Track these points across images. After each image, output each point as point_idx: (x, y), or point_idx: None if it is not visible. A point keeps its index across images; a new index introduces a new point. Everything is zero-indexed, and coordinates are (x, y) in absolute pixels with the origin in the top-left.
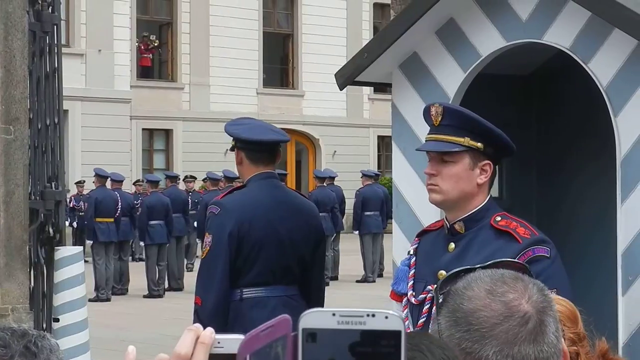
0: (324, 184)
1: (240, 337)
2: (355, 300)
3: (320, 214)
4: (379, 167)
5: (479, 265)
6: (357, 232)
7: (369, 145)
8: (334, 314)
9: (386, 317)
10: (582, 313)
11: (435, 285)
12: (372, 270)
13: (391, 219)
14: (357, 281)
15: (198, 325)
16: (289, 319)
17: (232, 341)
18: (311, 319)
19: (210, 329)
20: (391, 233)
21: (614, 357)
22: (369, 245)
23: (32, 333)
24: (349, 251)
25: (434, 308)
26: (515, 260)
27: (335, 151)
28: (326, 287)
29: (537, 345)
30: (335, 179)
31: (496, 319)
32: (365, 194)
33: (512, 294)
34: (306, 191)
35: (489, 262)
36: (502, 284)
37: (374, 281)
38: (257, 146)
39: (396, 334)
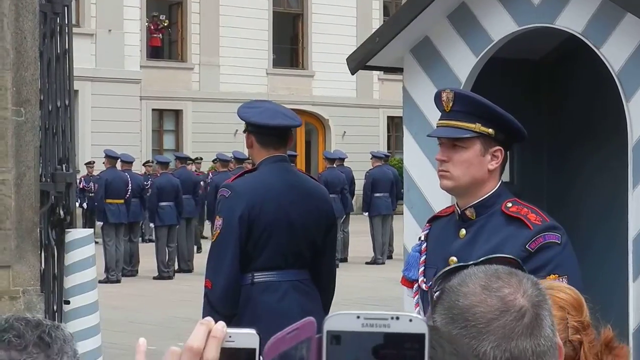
0: (334, 165)
1: (252, 331)
2: (364, 282)
3: (330, 196)
4: (388, 148)
5: (471, 262)
6: (366, 213)
7: (379, 125)
8: (358, 317)
9: (410, 320)
10: (588, 301)
11: (430, 283)
12: (382, 252)
13: (401, 200)
14: (367, 263)
15: (209, 318)
16: (313, 322)
17: (243, 335)
18: (335, 321)
19: (222, 323)
20: (401, 214)
21: (618, 345)
22: (378, 227)
23: (46, 323)
24: (358, 233)
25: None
26: (508, 255)
27: (344, 132)
28: (336, 263)
29: (534, 339)
30: (345, 159)
31: (492, 314)
32: (375, 176)
33: (507, 289)
34: (316, 172)
35: (481, 259)
36: (496, 279)
37: (383, 263)
38: (267, 130)
39: (420, 337)
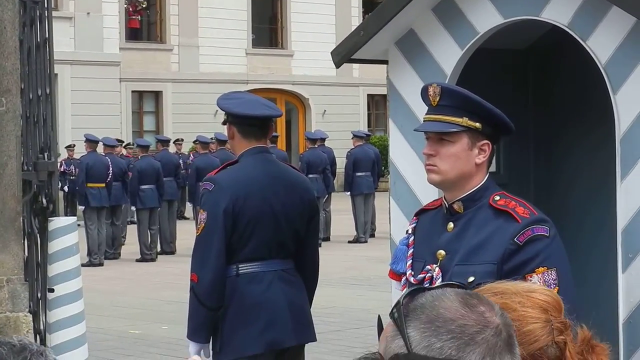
0: (315, 146)
1: None
2: (347, 261)
3: (312, 176)
4: (369, 126)
5: (427, 287)
6: (348, 192)
7: (359, 104)
8: None
9: None
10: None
11: (394, 308)
12: (364, 231)
13: (383, 178)
14: (349, 242)
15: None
16: None
17: None
18: None
19: (197, 357)
20: (382, 192)
21: (598, 343)
22: (360, 206)
23: (32, 348)
24: (340, 212)
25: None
26: (458, 282)
27: (325, 110)
28: (319, 249)
29: (513, 356)
30: (326, 139)
31: (476, 328)
32: (357, 155)
33: (483, 307)
34: (297, 152)
35: (437, 285)
36: (470, 298)
37: (365, 241)
38: (249, 121)
39: None
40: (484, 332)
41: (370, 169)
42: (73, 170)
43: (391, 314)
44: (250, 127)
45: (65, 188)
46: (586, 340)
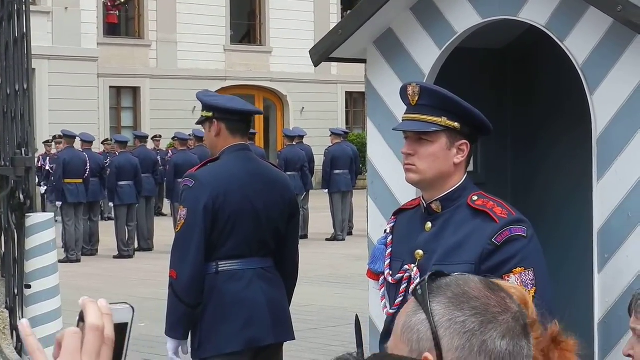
0: (294, 143)
1: (126, 306)
2: (324, 258)
3: (290, 173)
4: (347, 123)
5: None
6: (326, 190)
7: (337, 101)
8: None
9: None
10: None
11: (417, 286)
12: (342, 229)
13: (360, 175)
14: (327, 239)
15: (86, 298)
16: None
17: (119, 311)
18: None
19: (104, 300)
20: (360, 189)
21: (564, 339)
22: (338, 204)
23: None
24: (318, 209)
25: (411, 289)
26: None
27: (303, 107)
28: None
29: (528, 343)
30: (304, 137)
31: (498, 309)
32: (334, 153)
33: (503, 294)
34: (275, 149)
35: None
36: (492, 284)
37: (343, 239)
38: (238, 116)
39: None
40: (504, 314)
41: (348, 166)
42: (50, 168)
43: (414, 292)
44: (238, 122)
45: (42, 186)
46: (553, 335)
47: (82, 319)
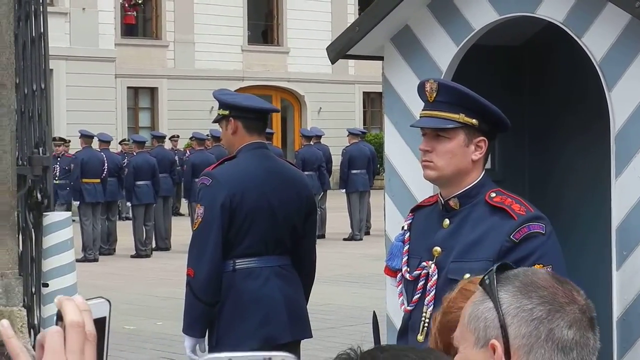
0: (311, 143)
1: (102, 300)
2: (342, 258)
3: (307, 173)
4: (364, 124)
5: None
6: (343, 190)
7: (355, 101)
8: (230, 359)
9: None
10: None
11: (485, 276)
12: (359, 228)
13: (378, 175)
14: (344, 239)
15: (61, 296)
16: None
17: (97, 306)
18: None
19: (79, 296)
20: (378, 189)
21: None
22: (355, 204)
23: None
24: (335, 209)
25: (430, 284)
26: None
27: (320, 108)
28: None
29: (595, 334)
30: (322, 136)
31: (565, 299)
32: (352, 153)
33: (571, 287)
34: (292, 149)
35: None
36: (560, 277)
37: (361, 239)
38: (255, 114)
39: None
40: (572, 305)
41: (365, 166)
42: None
43: (481, 282)
44: (255, 121)
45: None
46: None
47: (60, 317)
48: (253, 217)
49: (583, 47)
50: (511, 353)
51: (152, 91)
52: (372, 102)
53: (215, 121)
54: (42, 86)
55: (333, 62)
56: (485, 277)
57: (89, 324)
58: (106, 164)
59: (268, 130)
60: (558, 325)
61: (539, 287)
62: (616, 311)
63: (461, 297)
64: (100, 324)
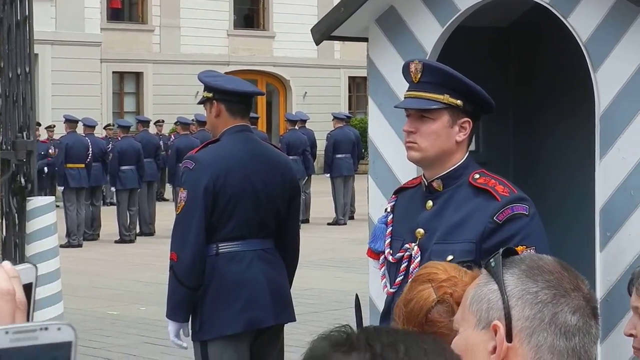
0: (296, 127)
1: (28, 266)
2: (326, 242)
3: (292, 157)
4: (349, 108)
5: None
6: (328, 174)
7: (340, 86)
8: (6, 332)
9: (59, 329)
10: None
11: (490, 259)
12: (343, 213)
13: (362, 160)
14: (329, 224)
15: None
16: None
17: (24, 272)
18: None
19: (8, 262)
20: (362, 174)
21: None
22: (340, 188)
23: None
24: (320, 194)
25: (412, 266)
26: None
27: (306, 92)
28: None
29: (597, 323)
30: (307, 121)
31: (570, 285)
32: (337, 137)
33: (576, 274)
34: (277, 133)
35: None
36: (567, 265)
37: (345, 223)
38: (239, 97)
39: (67, 346)
40: (577, 292)
41: (350, 151)
42: (53, 151)
43: (486, 265)
44: (239, 104)
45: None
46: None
47: None
48: (236, 200)
49: (569, 27)
50: (513, 335)
51: (138, 76)
52: (358, 87)
53: (200, 102)
54: (27, 70)
55: (317, 43)
56: (490, 260)
57: (19, 292)
58: (91, 149)
59: (253, 114)
60: (562, 310)
61: (545, 271)
62: (599, 292)
63: (415, 283)
64: (27, 289)
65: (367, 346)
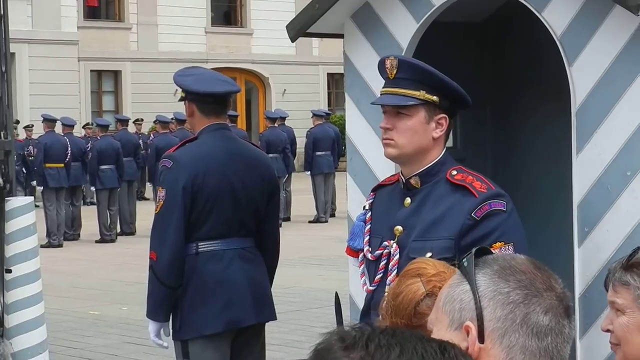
0: (275, 125)
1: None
2: (308, 241)
3: (272, 155)
4: (329, 105)
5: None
6: (308, 172)
7: (319, 82)
8: None
9: None
10: None
11: (462, 259)
12: (324, 211)
13: (343, 157)
14: (310, 222)
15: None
16: None
17: None
18: None
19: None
20: (343, 171)
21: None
22: (320, 186)
23: None
24: (300, 191)
25: (391, 264)
26: None
27: (285, 89)
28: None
29: (570, 322)
30: (286, 118)
31: (543, 285)
32: (316, 134)
33: (549, 274)
34: (257, 131)
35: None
36: (540, 264)
37: (326, 221)
38: (209, 98)
39: None
40: (549, 292)
41: (330, 148)
42: (32, 151)
43: (459, 265)
44: (210, 104)
45: (23, 169)
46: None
47: None
48: (215, 199)
49: (543, 21)
50: (485, 336)
51: (116, 74)
52: (337, 84)
53: (179, 100)
54: (3, 69)
55: (293, 40)
56: (463, 260)
57: None
58: (69, 149)
59: (232, 112)
60: (534, 310)
61: (518, 271)
62: (578, 288)
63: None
64: None
65: (363, 346)
